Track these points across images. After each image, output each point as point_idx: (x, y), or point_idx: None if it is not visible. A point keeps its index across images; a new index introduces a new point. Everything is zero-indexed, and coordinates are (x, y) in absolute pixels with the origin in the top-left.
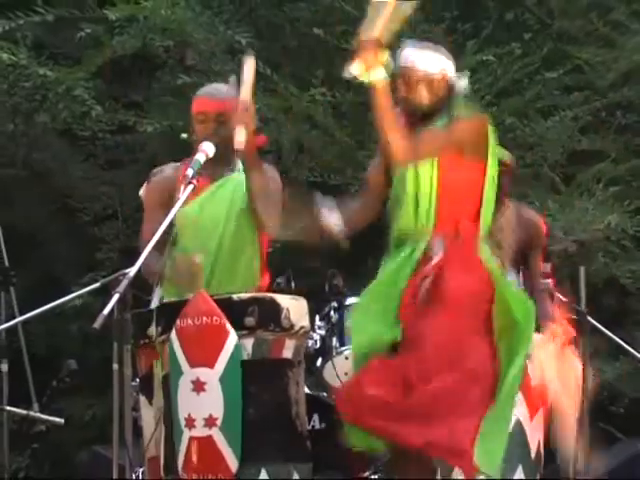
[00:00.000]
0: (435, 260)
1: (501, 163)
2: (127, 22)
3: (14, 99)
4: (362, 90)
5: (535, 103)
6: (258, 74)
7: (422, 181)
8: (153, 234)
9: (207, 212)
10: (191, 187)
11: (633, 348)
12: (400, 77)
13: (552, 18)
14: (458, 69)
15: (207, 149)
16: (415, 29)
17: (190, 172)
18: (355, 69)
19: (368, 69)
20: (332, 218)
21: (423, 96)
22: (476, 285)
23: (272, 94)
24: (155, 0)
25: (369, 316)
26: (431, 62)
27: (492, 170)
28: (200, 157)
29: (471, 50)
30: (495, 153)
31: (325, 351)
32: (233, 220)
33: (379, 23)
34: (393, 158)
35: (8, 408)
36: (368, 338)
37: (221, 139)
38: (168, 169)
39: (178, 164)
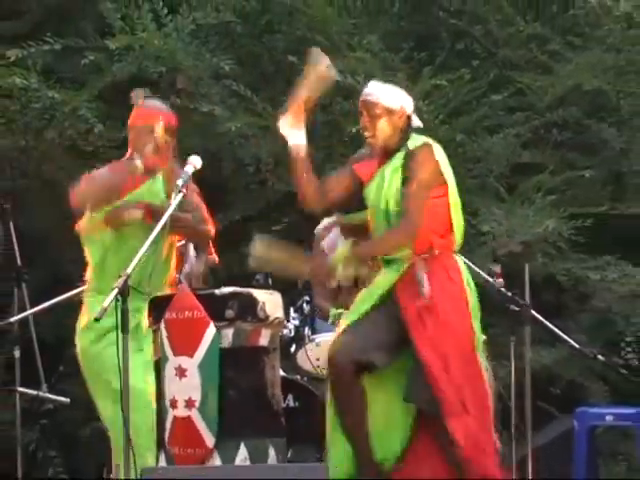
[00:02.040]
0: (425, 283)
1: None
2: (125, 51)
3: (26, 118)
4: (330, 110)
5: (482, 122)
6: (240, 96)
7: (391, 207)
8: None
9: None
10: (181, 195)
11: (568, 336)
12: (363, 109)
13: (497, 48)
14: (415, 93)
15: (195, 162)
16: (377, 58)
17: (180, 182)
18: (282, 124)
19: (292, 127)
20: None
21: (383, 128)
22: (457, 300)
23: (252, 114)
24: (149, 32)
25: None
26: (393, 97)
27: (453, 188)
28: (189, 169)
29: (426, 76)
30: (451, 172)
31: (299, 339)
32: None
33: (308, 86)
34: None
35: (20, 389)
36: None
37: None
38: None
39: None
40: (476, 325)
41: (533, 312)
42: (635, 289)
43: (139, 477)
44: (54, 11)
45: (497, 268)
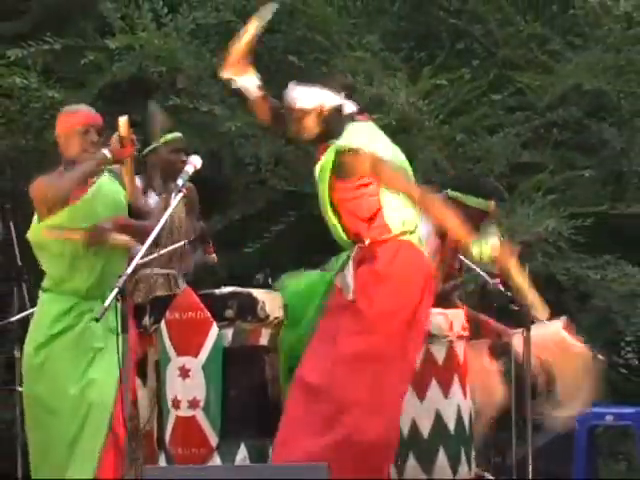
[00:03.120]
0: (351, 268)
1: (483, 211)
2: (125, 50)
3: (26, 118)
4: None
5: (482, 121)
6: (240, 96)
7: (324, 200)
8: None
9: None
10: (180, 195)
11: None
12: (288, 114)
13: (497, 47)
14: (415, 93)
15: (195, 162)
16: (377, 57)
17: (180, 182)
18: (226, 73)
19: (237, 74)
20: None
21: (309, 127)
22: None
23: (252, 113)
24: (149, 31)
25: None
26: (306, 98)
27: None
28: (189, 169)
29: (426, 75)
30: (388, 147)
31: None
32: None
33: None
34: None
35: (20, 389)
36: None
37: None
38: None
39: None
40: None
41: (533, 312)
42: (635, 288)
43: (140, 477)
44: (54, 11)
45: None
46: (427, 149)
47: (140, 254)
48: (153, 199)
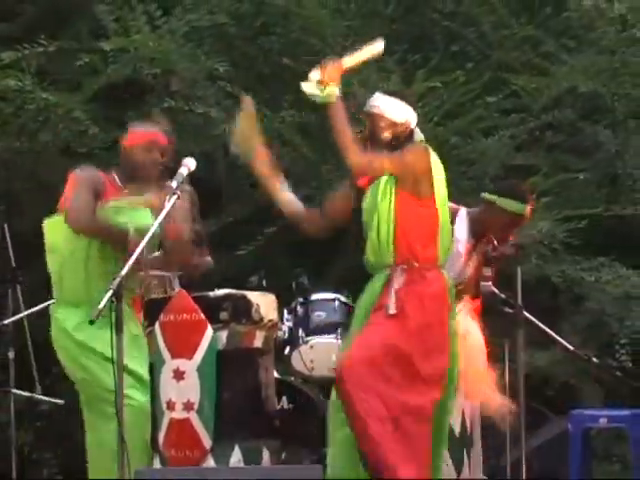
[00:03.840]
0: (396, 284)
1: (520, 215)
2: (119, 52)
3: (20, 120)
4: (325, 112)
5: (477, 124)
6: (235, 98)
7: (382, 216)
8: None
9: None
10: (175, 197)
11: (562, 338)
12: (368, 121)
13: (491, 50)
14: (409, 95)
15: (189, 164)
16: (371, 60)
17: (174, 184)
18: (310, 87)
19: (324, 85)
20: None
21: (386, 140)
22: (429, 315)
23: None
24: (143, 34)
25: None
26: (397, 110)
27: (445, 201)
28: (183, 170)
29: (420, 78)
30: (443, 188)
31: (292, 341)
32: None
33: (357, 56)
34: (348, 162)
35: (14, 390)
36: None
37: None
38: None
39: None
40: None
41: (527, 314)
42: (629, 291)
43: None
44: (48, 13)
45: (488, 271)
46: None
47: (134, 256)
48: None
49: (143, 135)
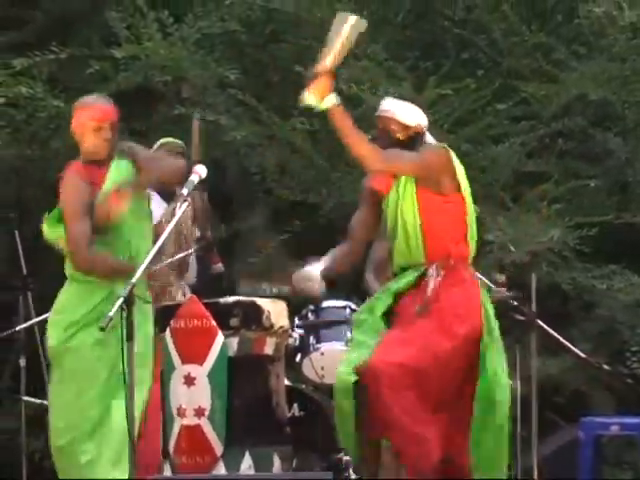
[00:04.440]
0: (432, 284)
1: None
2: (131, 60)
3: (31, 127)
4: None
5: (487, 131)
6: (245, 105)
7: (407, 219)
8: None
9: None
10: (186, 204)
11: (573, 346)
12: (379, 125)
13: (502, 57)
14: (420, 102)
15: (200, 171)
16: (382, 67)
17: (185, 191)
18: (309, 99)
19: (322, 97)
20: (314, 281)
21: (399, 141)
22: (467, 319)
23: (257, 123)
24: (155, 41)
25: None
26: (408, 113)
27: (469, 198)
28: (194, 178)
29: (432, 85)
30: (467, 184)
31: (303, 348)
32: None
33: (333, 51)
34: (365, 167)
35: (25, 398)
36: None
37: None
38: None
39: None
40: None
41: (539, 321)
42: None
43: None
44: (60, 20)
45: (502, 277)
46: None
47: (146, 262)
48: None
49: (90, 113)
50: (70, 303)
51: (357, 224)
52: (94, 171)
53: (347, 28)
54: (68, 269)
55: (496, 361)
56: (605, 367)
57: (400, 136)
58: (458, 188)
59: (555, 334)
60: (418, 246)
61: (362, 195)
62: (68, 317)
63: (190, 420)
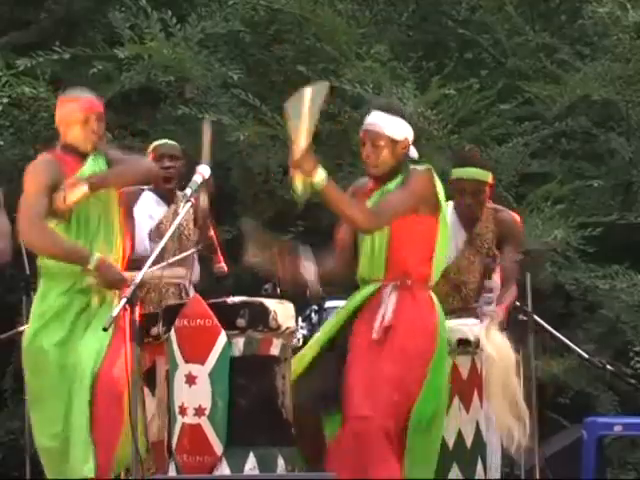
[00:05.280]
0: (386, 307)
1: (485, 183)
2: (134, 60)
3: (34, 128)
4: (339, 120)
5: (491, 131)
6: (249, 106)
7: (377, 234)
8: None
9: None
10: (189, 204)
11: (577, 346)
12: (366, 140)
13: (506, 57)
14: (423, 102)
15: (204, 171)
16: (385, 67)
17: (189, 191)
18: (298, 188)
19: (309, 176)
20: (309, 270)
21: (386, 160)
22: (420, 338)
23: (260, 123)
24: (158, 41)
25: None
26: (397, 128)
27: (444, 220)
28: (197, 179)
29: (435, 85)
30: (444, 202)
31: None
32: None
33: (303, 129)
34: (359, 231)
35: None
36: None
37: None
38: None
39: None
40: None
41: (541, 321)
42: None
43: None
44: (63, 21)
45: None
46: (436, 159)
47: (148, 263)
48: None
49: (77, 106)
50: (37, 300)
51: (343, 234)
52: (71, 162)
53: (308, 103)
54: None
55: (442, 386)
56: (608, 367)
57: (387, 152)
58: (435, 209)
59: (558, 334)
60: (380, 261)
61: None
62: (35, 316)
63: (191, 419)
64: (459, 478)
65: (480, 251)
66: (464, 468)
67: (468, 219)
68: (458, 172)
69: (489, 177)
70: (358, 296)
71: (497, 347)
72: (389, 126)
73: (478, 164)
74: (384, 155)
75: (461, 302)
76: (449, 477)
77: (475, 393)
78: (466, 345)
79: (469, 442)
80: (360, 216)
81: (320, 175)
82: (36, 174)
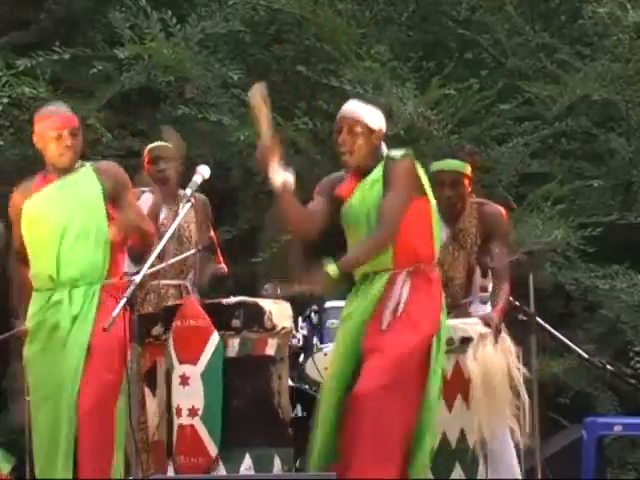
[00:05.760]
0: (399, 292)
1: (462, 174)
2: (134, 60)
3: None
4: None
5: (491, 131)
6: (249, 106)
7: (375, 223)
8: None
9: (52, 206)
10: (189, 205)
11: (577, 346)
12: (342, 126)
13: (506, 57)
14: (423, 102)
15: (204, 172)
16: (385, 67)
17: (188, 192)
18: (328, 286)
19: (327, 278)
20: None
21: (361, 147)
22: (429, 308)
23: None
24: (158, 41)
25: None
26: (373, 117)
27: (433, 200)
28: (197, 179)
29: (435, 85)
30: (428, 185)
31: (307, 349)
32: (77, 213)
33: (262, 127)
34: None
35: (29, 398)
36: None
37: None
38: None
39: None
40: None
41: (541, 321)
42: None
43: None
44: (63, 21)
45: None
46: (435, 159)
47: (148, 264)
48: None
49: (50, 123)
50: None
51: (316, 206)
52: (46, 181)
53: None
54: None
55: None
56: (608, 367)
57: (362, 139)
58: (422, 190)
59: (558, 334)
60: (387, 250)
61: (320, 191)
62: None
63: (185, 420)
64: (462, 478)
65: (464, 246)
66: (466, 468)
67: (450, 214)
68: (437, 165)
69: (467, 169)
70: (365, 301)
71: (482, 365)
72: (366, 114)
73: (459, 157)
74: (359, 142)
75: (449, 299)
76: (452, 477)
77: None
78: (469, 343)
79: (471, 442)
80: (380, 243)
81: (330, 269)
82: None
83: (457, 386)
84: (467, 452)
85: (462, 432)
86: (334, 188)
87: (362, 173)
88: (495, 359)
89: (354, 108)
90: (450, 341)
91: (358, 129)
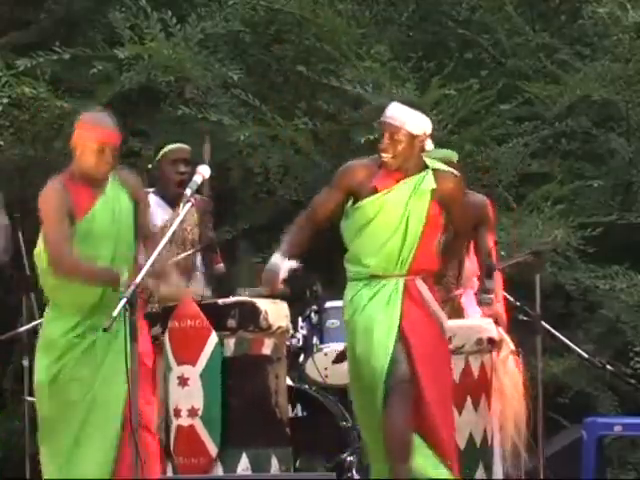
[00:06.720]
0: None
1: (450, 163)
2: (134, 60)
3: (35, 128)
4: (339, 119)
5: (491, 131)
6: (248, 106)
7: (411, 226)
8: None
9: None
10: (189, 204)
11: (577, 346)
12: (386, 131)
13: (505, 57)
14: (423, 102)
15: (204, 172)
16: (385, 67)
17: (188, 191)
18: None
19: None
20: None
21: (404, 153)
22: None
23: (261, 123)
24: (158, 41)
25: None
26: (417, 123)
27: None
28: (198, 179)
29: (435, 85)
30: None
31: (307, 348)
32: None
33: None
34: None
35: (29, 398)
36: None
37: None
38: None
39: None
40: None
41: (543, 323)
42: None
43: None
44: (63, 21)
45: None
46: None
47: (148, 264)
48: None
49: (94, 135)
50: (43, 329)
51: (325, 203)
52: (82, 188)
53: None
54: (46, 292)
55: None
56: (608, 367)
57: (405, 146)
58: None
59: (558, 334)
60: (408, 256)
61: (337, 181)
62: (42, 347)
63: (184, 420)
64: (484, 478)
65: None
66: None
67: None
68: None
69: (454, 156)
70: (385, 307)
71: (512, 380)
72: (409, 121)
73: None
74: (401, 148)
75: (444, 291)
76: (476, 477)
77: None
78: (493, 344)
79: (490, 441)
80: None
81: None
82: (49, 201)
83: (481, 387)
84: (488, 453)
85: (484, 433)
86: (362, 182)
87: (408, 172)
88: (516, 372)
89: (397, 114)
90: (479, 341)
91: (401, 137)
